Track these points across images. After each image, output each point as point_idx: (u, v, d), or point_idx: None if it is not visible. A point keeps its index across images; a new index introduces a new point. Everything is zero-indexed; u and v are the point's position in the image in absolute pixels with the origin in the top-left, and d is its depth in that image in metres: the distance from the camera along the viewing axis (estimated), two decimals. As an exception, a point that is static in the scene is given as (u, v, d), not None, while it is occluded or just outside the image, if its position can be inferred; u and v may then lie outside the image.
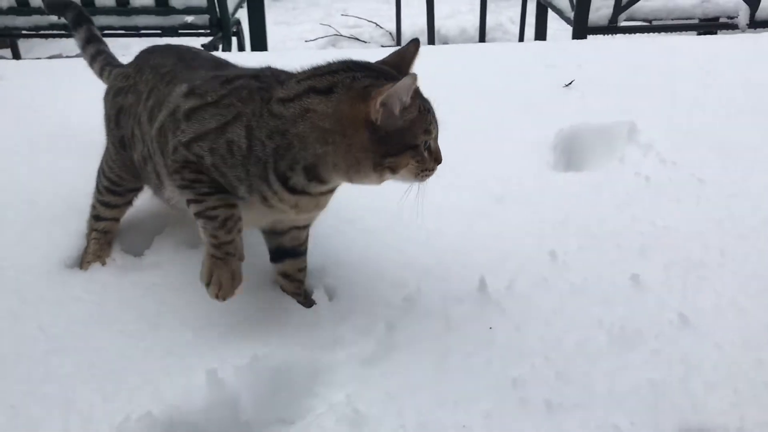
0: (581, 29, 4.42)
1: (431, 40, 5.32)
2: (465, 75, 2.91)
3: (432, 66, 3.02)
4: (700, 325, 1.47)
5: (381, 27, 6.20)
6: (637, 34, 4.49)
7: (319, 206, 1.51)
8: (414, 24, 6.12)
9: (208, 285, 1.41)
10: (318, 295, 1.58)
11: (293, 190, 1.39)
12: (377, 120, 1.28)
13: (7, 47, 5.60)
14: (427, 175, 1.40)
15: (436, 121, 1.39)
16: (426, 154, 1.36)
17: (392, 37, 6.06)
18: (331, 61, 1.42)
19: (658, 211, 1.87)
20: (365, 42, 5.98)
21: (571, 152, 2.26)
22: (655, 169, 2.05)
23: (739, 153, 2.12)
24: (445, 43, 5.86)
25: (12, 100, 2.75)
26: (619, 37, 4.28)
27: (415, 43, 1.47)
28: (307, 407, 1.35)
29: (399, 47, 1.50)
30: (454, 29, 6.06)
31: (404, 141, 1.32)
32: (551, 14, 5.15)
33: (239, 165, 1.38)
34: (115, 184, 1.77)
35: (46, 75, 3.13)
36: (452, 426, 1.27)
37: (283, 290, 1.63)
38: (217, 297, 1.40)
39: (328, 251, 1.75)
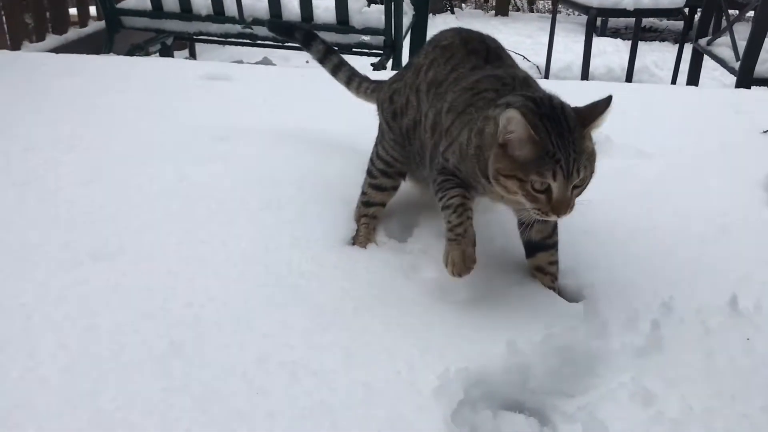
0: (746, 80, 4.52)
1: (585, 76, 5.49)
2: (658, 114, 3.08)
3: (623, 102, 3.23)
4: None
5: (528, 60, 6.41)
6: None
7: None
8: (559, 59, 6.31)
9: (446, 265, 1.67)
10: (583, 292, 1.79)
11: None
12: (500, 138, 1.51)
13: (185, 48, 6.12)
14: (539, 215, 1.54)
15: (563, 174, 1.47)
16: (540, 195, 1.51)
17: (539, 70, 6.26)
18: (542, 91, 1.66)
19: None
20: (512, 73, 6.20)
21: (780, 194, 2.39)
22: None
23: None
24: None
25: (249, 98, 3.10)
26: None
27: (606, 100, 1.60)
28: (589, 385, 1.55)
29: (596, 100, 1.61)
30: (601, 68, 6.21)
31: (514, 168, 1.51)
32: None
33: (465, 161, 1.66)
34: (389, 165, 2.03)
35: (270, 79, 3.49)
36: (734, 414, 1.43)
37: (543, 284, 1.84)
38: (452, 274, 1.65)
39: (577, 255, 1.95)
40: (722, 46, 5.01)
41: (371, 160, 2.08)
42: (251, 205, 2.15)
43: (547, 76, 5.91)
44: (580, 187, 1.54)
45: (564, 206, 1.51)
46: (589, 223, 2.11)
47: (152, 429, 1.35)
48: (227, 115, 2.89)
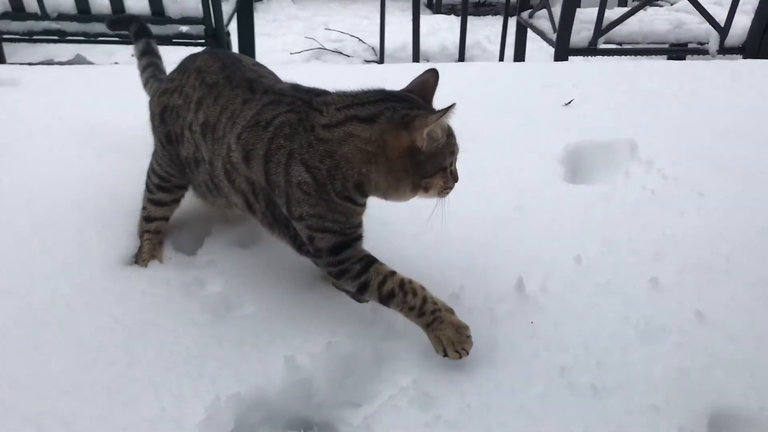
0: (563, 50, 4.67)
1: (416, 57, 5.50)
2: (470, 92, 3.07)
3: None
4: (716, 321, 1.66)
5: (363, 42, 6.36)
6: (615, 57, 4.76)
7: None
8: (395, 40, 6.29)
9: (446, 355, 1.50)
10: (372, 292, 1.73)
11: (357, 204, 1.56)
12: (422, 147, 1.45)
13: (-9, 49, 5.58)
14: (448, 193, 1.58)
15: (457, 143, 1.56)
16: (447, 173, 1.54)
17: (374, 51, 6.23)
18: (367, 90, 1.56)
19: (665, 221, 2.06)
20: (348, 56, 6.14)
21: (577, 166, 2.45)
22: (658, 183, 2.25)
23: (732, 169, 2.33)
24: (427, 59, 6.05)
25: (35, 105, 2.81)
26: (607, 59, 4.53)
27: (434, 73, 1.62)
28: (374, 392, 1.49)
29: (418, 76, 1.62)
30: (435, 46, 6.26)
31: (438, 164, 1.50)
32: (529, 34, 5.40)
33: (320, 200, 1.51)
34: (164, 180, 1.87)
35: (62, 81, 3.19)
36: (511, 407, 1.42)
37: (335, 287, 1.77)
38: (461, 356, 1.50)
39: (371, 251, 1.88)
40: (542, 19, 5.16)
41: (147, 173, 1.91)
42: (19, 228, 1.93)
43: (381, 59, 5.87)
44: None
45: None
46: (389, 214, 2.06)
47: None
48: (6, 124, 2.60)
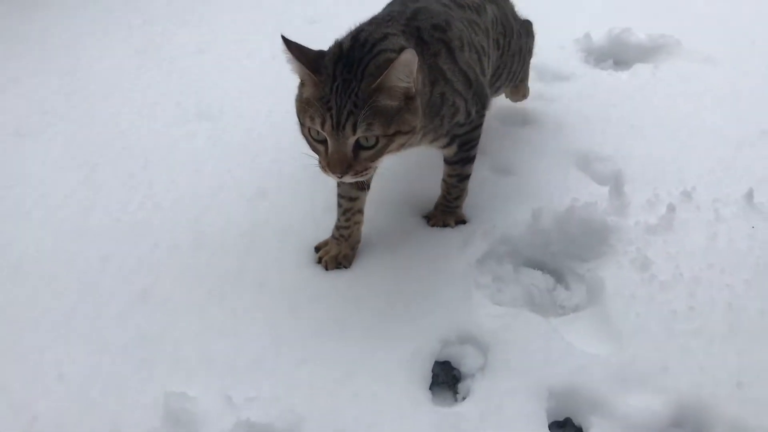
0: None
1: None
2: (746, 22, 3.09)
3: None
4: None
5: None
6: None
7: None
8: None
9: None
10: (613, 176, 2.02)
11: None
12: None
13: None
14: (321, 169, 1.38)
15: (332, 123, 1.31)
16: (319, 146, 1.37)
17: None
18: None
19: None
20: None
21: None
22: None
23: None
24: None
25: None
26: None
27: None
28: (599, 252, 1.81)
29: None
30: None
31: (298, 110, 1.41)
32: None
33: None
34: None
35: None
36: (718, 283, 1.67)
37: None
38: (322, 263, 1.73)
39: (618, 144, 2.16)
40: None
41: None
42: (334, 83, 2.45)
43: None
44: (371, 149, 1.35)
45: (338, 163, 1.33)
46: (639, 118, 2.30)
47: (242, 248, 1.75)
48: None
